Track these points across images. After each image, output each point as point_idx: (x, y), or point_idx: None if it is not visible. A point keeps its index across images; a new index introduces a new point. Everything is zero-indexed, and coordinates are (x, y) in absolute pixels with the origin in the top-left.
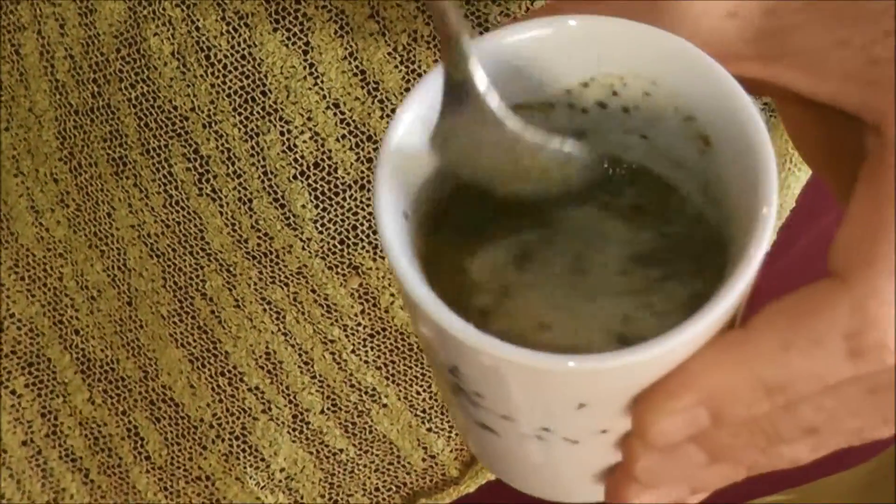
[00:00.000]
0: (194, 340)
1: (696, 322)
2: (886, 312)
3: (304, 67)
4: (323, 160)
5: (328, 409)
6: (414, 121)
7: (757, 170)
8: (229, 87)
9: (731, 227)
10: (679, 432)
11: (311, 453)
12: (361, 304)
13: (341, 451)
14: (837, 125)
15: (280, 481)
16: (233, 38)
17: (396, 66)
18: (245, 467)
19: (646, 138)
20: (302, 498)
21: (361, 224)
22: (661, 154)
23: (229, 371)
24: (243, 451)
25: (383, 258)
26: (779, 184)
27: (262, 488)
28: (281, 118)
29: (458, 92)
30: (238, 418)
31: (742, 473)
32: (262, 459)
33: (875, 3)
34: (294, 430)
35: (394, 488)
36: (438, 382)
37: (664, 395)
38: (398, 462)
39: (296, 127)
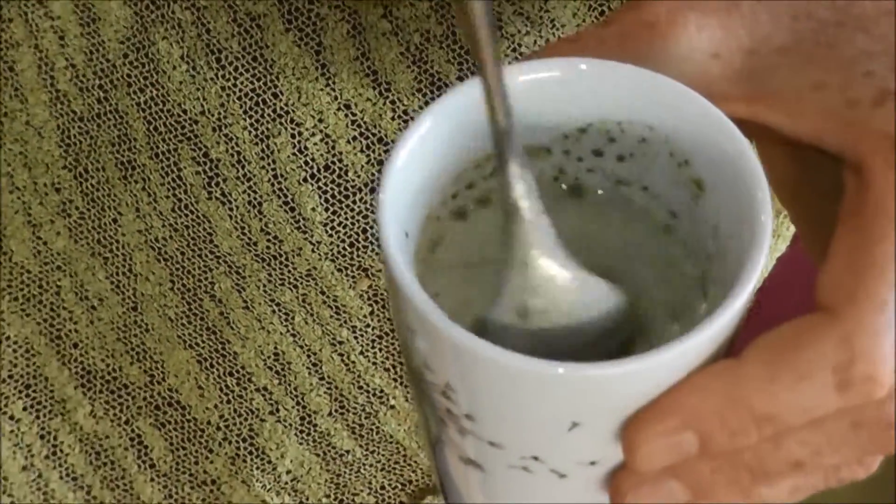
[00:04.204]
0: (203, 341)
1: (689, 338)
2: (874, 345)
3: (317, 68)
4: (334, 163)
5: (336, 411)
6: (426, 137)
7: (752, 201)
8: (240, 90)
9: (716, 266)
10: (666, 456)
11: (318, 455)
12: (370, 305)
13: (348, 452)
14: (813, 167)
15: (286, 483)
16: (244, 39)
17: (409, 66)
18: (252, 469)
19: (646, 189)
20: (307, 499)
21: (371, 227)
22: (656, 201)
23: (237, 371)
24: (250, 453)
25: None
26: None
27: (267, 490)
28: (292, 120)
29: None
30: (246, 419)
31: None
32: (269, 462)
33: (853, 45)
34: (301, 431)
35: (399, 486)
36: (425, 418)
37: (653, 416)
38: (404, 461)
39: (307, 129)
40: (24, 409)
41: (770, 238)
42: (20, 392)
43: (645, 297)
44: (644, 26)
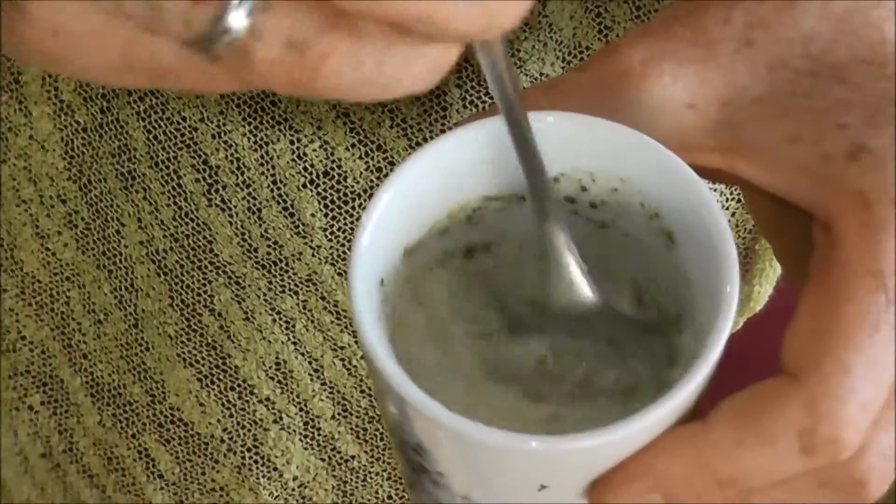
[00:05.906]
0: (202, 359)
1: (658, 407)
2: (837, 409)
3: None
4: (332, 169)
5: (339, 414)
6: (398, 196)
7: (719, 264)
8: (239, 98)
9: (683, 322)
10: None
11: (323, 460)
12: None
13: (353, 457)
14: (796, 212)
15: (293, 490)
16: None
17: None
18: (258, 478)
19: (622, 233)
20: None
21: None
22: (633, 244)
23: (239, 385)
24: (256, 462)
25: None
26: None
27: (275, 498)
28: (290, 127)
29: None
30: (249, 430)
31: None
32: (275, 469)
33: (828, 95)
34: (305, 436)
35: (406, 497)
36: (401, 462)
37: (620, 480)
38: None
39: (305, 136)
40: (42, 403)
41: (735, 307)
42: (37, 388)
43: (623, 330)
44: (618, 76)
